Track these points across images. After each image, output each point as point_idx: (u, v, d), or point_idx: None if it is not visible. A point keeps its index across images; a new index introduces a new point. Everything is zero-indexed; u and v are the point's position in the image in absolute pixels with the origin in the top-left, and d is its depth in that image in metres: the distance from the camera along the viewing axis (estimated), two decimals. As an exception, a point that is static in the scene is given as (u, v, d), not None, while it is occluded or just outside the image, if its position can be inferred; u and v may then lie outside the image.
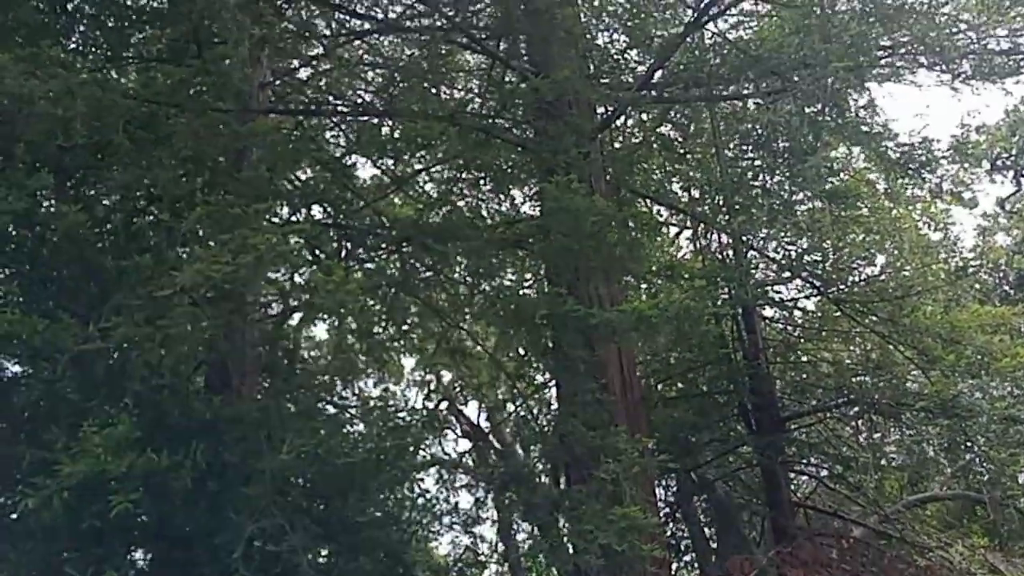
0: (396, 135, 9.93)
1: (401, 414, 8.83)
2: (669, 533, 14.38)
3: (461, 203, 11.51)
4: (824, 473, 15.28)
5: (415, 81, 10.36)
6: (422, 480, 10.36)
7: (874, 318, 13.44)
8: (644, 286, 12.99)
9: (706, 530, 15.49)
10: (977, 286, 17.42)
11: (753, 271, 13.91)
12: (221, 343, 8.48)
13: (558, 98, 9.84)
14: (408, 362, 15.92)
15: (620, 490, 8.32)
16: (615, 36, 12.66)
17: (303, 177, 11.31)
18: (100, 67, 9.38)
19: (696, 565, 15.12)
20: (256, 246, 7.10)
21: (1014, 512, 13.80)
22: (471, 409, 17.31)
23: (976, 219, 22.75)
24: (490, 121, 10.64)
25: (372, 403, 9.79)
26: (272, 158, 9.08)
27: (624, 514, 7.91)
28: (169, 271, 7.29)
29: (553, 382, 11.28)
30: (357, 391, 14.24)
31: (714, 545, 15.22)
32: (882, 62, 10.81)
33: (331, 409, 10.97)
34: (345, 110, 11.63)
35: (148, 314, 7.39)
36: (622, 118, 12.75)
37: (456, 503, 13.85)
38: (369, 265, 10.95)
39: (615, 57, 12.32)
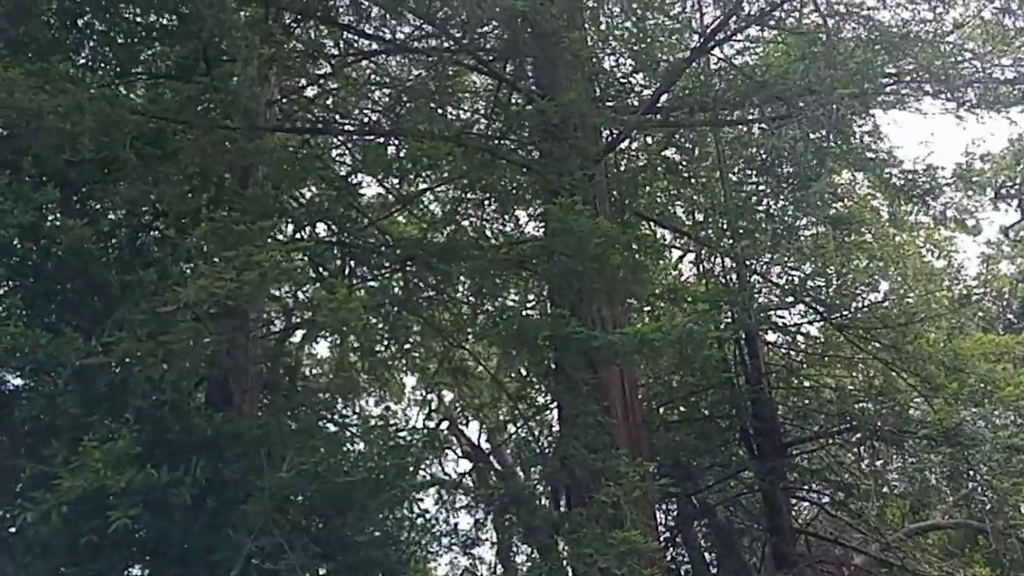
0: (402, 154, 9.98)
1: (402, 433, 8.78)
2: (669, 558, 14.29)
3: (465, 223, 11.54)
4: (826, 500, 15.20)
5: (422, 101, 10.42)
6: (422, 500, 10.32)
7: (877, 344, 13.41)
8: (647, 309, 12.97)
9: (706, 555, 15.41)
10: (980, 314, 17.37)
11: (756, 295, 13.89)
12: (223, 359, 8.48)
13: (564, 120, 9.88)
14: (409, 381, 15.92)
15: (621, 514, 8.27)
16: (621, 60, 12.72)
17: (308, 195, 11.35)
18: (109, 83, 9.45)
19: (696, 590, 15.01)
20: (260, 263, 7.13)
21: (1016, 542, 13.68)
22: (472, 429, 17.29)
23: (980, 247, 22.75)
24: (496, 142, 10.69)
25: (373, 422, 9.73)
26: (278, 176, 9.13)
27: (624, 538, 7.87)
28: (173, 287, 7.31)
29: (555, 404, 11.25)
30: (358, 409, 14.24)
31: (714, 570, 15.14)
32: (887, 89, 10.85)
33: (332, 427, 10.96)
34: (352, 129, 11.71)
35: (151, 329, 7.40)
36: (627, 141, 12.78)
37: (456, 524, 13.79)
38: (372, 283, 10.98)
39: (621, 81, 12.37)
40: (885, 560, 13.57)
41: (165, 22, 9.75)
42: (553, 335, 9.02)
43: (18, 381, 8.04)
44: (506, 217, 11.92)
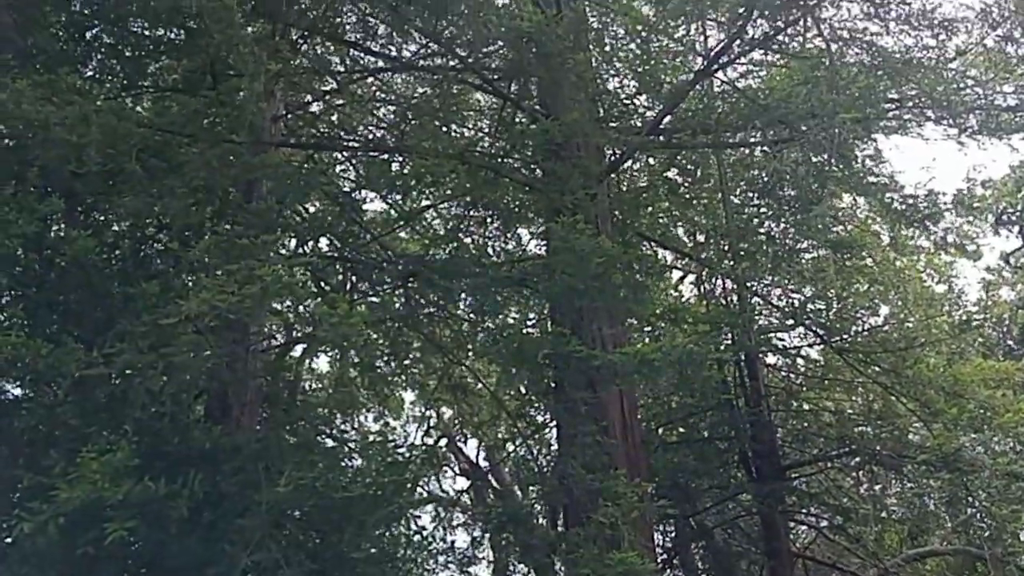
0: (406, 171, 10.02)
1: (400, 449, 8.78)
2: (666, 580, 14.23)
3: (468, 240, 11.57)
4: (824, 524, 15.16)
5: (426, 119, 10.47)
6: (419, 517, 10.27)
7: (877, 368, 13.40)
8: (647, 329, 12.98)
9: (704, 578, 15.33)
10: (981, 340, 17.36)
11: (757, 318, 13.91)
12: (223, 372, 8.49)
13: (567, 140, 9.93)
14: (409, 397, 15.91)
15: (618, 534, 8.25)
16: (625, 81, 12.79)
17: (311, 209, 11.40)
18: (116, 95, 9.51)
19: (693, 613, 14.94)
20: (262, 277, 7.15)
21: (1015, 569, 13.64)
22: (470, 447, 17.26)
23: (980, 272, 22.77)
24: (499, 160, 10.74)
25: (371, 437, 9.75)
26: (282, 190, 9.16)
27: (621, 559, 7.84)
28: (175, 299, 7.32)
29: (554, 423, 11.24)
30: (357, 425, 14.21)
31: (711, 593, 15.06)
32: (889, 115, 10.91)
33: (330, 442, 10.93)
34: (356, 145, 11.75)
35: (152, 341, 7.41)
36: (630, 162, 12.84)
37: (452, 542, 13.70)
38: (374, 299, 10.99)
39: (624, 102, 12.44)
40: (883, 585, 13.52)
41: (172, 36, 9.82)
42: (553, 354, 9.03)
43: (18, 391, 8.04)
44: (508, 235, 11.96)
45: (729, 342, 12.93)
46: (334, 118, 12.44)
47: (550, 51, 9.05)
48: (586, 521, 8.58)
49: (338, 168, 12.34)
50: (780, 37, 11.04)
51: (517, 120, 11.46)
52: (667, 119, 11.27)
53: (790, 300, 14.44)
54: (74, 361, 7.10)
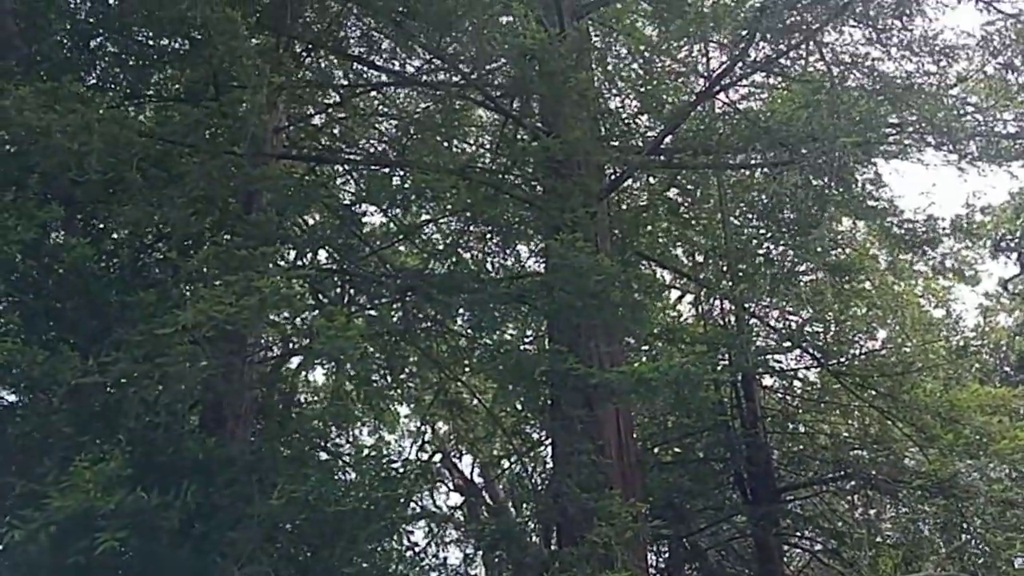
0: (406, 185, 10.04)
1: (394, 464, 8.75)
2: (659, 601, 14.14)
3: (467, 255, 11.57)
4: (818, 547, 15.08)
5: (428, 134, 10.50)
6: (411, 533, 10.26)
7: (873, 392, 13.37)
8: (645, 348, 12.97)
9: (696, 600, 15.24)
10: (978, 366, 17.34)
11: (754, 339, 13.89)
12: (218, 383, 8.47)
13: (568, 158, 9.95)
14: (404, 412, 15.86)
15: (612, 554, 8.21)
16: (627, 101, 12.86)
17: (311, 222, 11.40)
18: (118, 104, 9.54)
19: (685, 635, 14.84)
20: (260, 288, 7.15)
21: (1009, 597, 13.58)
22: (465, 463, 17.19)
23: (978, 298, 22.81)
24: (500, 176, 10.77)
25: (366, 451, 9.69)
26: (282, 202, 9.17)
27: (614, 579, 7.81)
28: (172, 309, 7.32)
29: (549, 440, 11.21)
30: (351, 438, 14.16)
31: (704, 615, 14.97)
32: (890, 139, 10.94)
33: (324, 455, 10.91)
34: (357, 159, 11.78)
35: (148, 351, 7.39)
36: (630, 180, 12.86)
37: (445, 558, 13.68)
38: (371, 312, 10.97)
39: (626, 121, 12.48)
40: (877, 611, 13.45)
41: (176, 46, 9.88)
42: (550, 371, 9.02)
43: (13, 397, 8.03)
44: (507, 251, 11.96)
45: (726, 363, 12.91)
46: (336, 131, 12.48)
47: (553, 69, 9.08)
48: (580, 540, 8.54)
49: (339, 181, 12.38)
50: (782, 60, 11.08)
51: (519, 137, 11.49)
52: (668, 139, 11.29)
53: (788, 322, 14.43)
54: (69, 369, 7.08)
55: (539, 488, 12.98)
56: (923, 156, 11.17)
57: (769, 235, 13.51)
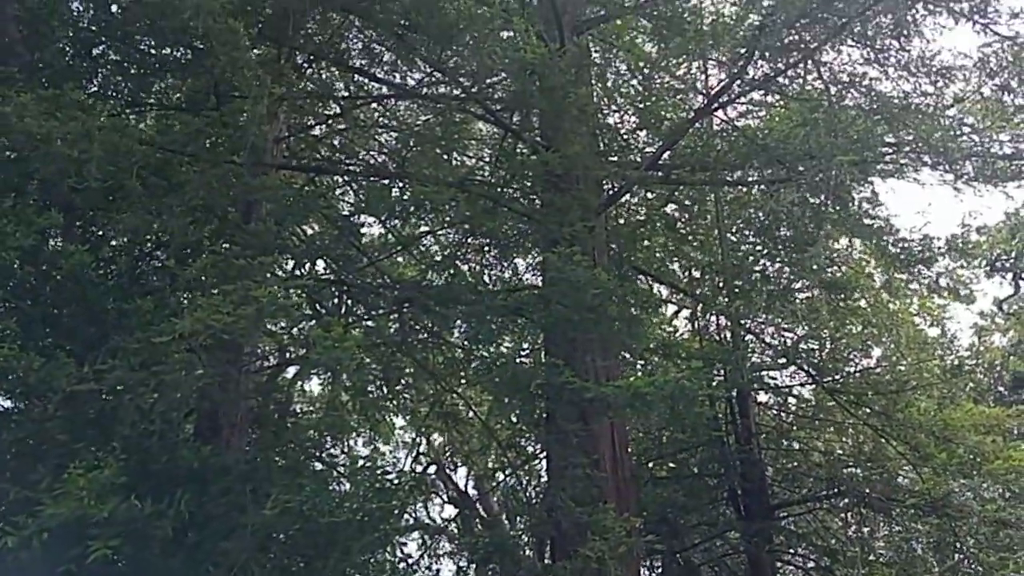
0: (405, 197, 10.07)
1: (389, 476, 8.73)
2: (652, 616, 14.12)
3: (464, 267, 11.60)
4: (811, 565, 15.06)
5: (428, 146, 10.55)
6: (405, 544, 10.22)
7: (868, 410, 13.39)
8: (640, 363, 12.98)
9: (689, 615, 15.19)
10: (972, 385, 17.39)
11: (749, 355, 13.91)
12: (214, 392, 8.47)
13: (566, 172, 10.00)
14: (399, 423, 15.84)
15: (605, 569, 8.20)
16: (626, 117, 12.92)
17: (310, 232, 11.43)
18: (119, 112, 9.58)
19: (677, 651, 14.79)
20: (258, 298, 7.16)
21: (1002, 617, 13.56)
22: (460, 475, 17.16)
23: (973, 317, 22.88)
24: (499, 190, 10.81)
25: (360, 462, 9.67)
26: (281, 212, 9.20)
27: (608, 594, 7.80)
28: (169, 317, 7.33)
29: (544, 454, 11.20)
30: (346, 449, 14.13)
31: (696, 631, 14.93)
32: (886, 158, 10.99)
33: (319, 466, 10.89)
34: (357, 170, 11.81)
35: (144, 358, 7.40)
36: (628, 195, 12.91)
37: (438, 571, 13.65)
38: (368, 323, 11.00)
39: (624, 136, 12.54)
40: (869, 629, 13.43)
41: (179, 55, 9.91)
42: (546, 384, 9.02)
43: (8, 403, 8.02)
44: (505, 264, 12.00)
45: (721, 379, 12.93)
46: (336, 142, 12.53)
47: (553, 84, 9.13)
48: (573, 554, 8.54)
49: (338, 192, 12.41)
50: (780, 79, 11.14)
51: (518, 151, 11.54)
52: (666, 155, 11.34)
53: (783, 339, 14.46)
54: (65, 376, 7.08)
55: (533, 501, 12.96)
56: (919, 176, 11.23)
57: (766, 252, 13.56)
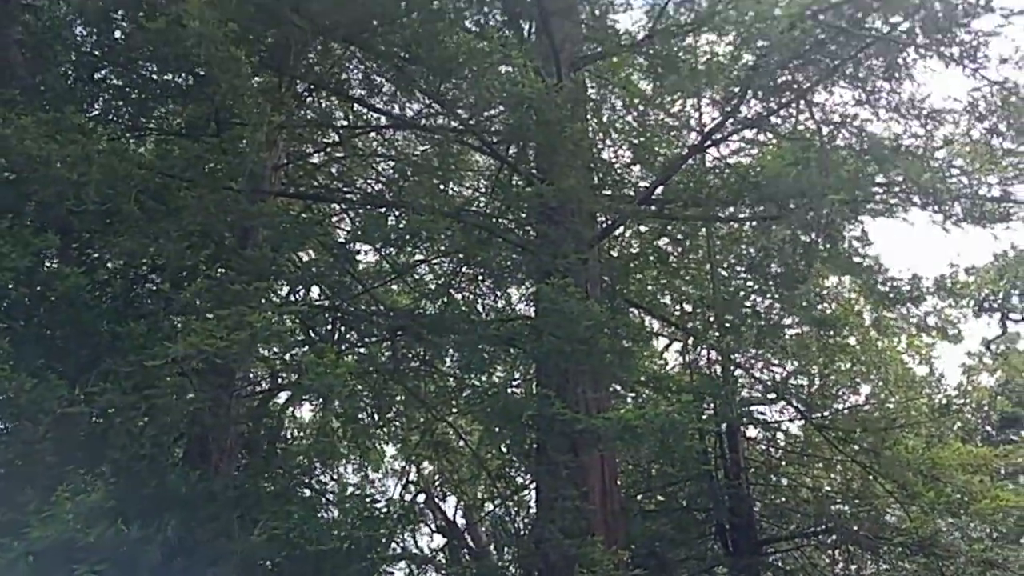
0: (401, 225, 10.14)
1: (378, 504, 8.73)
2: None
3: (458, 296, 11.65)
4: (799, 602, 15.02)
5: (425, 176, 10.65)
6: (392, 574, 10.18)
7: (856, 447, 13.44)
8: (631, 395, 13.02)
9: (675, 651, 15.10)
10: (960, 424, 17.45)
11: (739, 390, 13.96)
12: (205, 416, 8.47)
13: (561, 204, 10.09)
14: (390, 451, 15.80)
15: (592, 601, 8.19)
16: (620, 151, 13.04)
17: (305, 259, 11.47)
18: (119, 136, 9.63)
19: None
20: (252, 323, 7.20)
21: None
22: (449, 505, 17.08)
23: (961, 356, 23.00)
24: (494, 220, 10.89)
25: (350, 490, 9.68)
26: (278, 238, 9.25)
27: (595, 627, 7.78)
28: (162, 341, 7.35)
29: (534, 485, 11.19)
30: (336, 476, 14.10)
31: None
32: (877, 198, 11.11)
33: (308, 493, 10.86)
34: (354, 198, 11.89)
35: (136, 382, 7.42)
36: (621, 229, 13.02)
37: (425, 601, 13.52)
38: (361, 350, 11.02)
39: (619, 171, 12.65)
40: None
41: (180, 81, 9.99)
42: (537, 415, 9.06)
43: (-2, 424, 7.99)
44: (498, 294, 12.04)
45: (711, 412, 12.97)
46: (334, 170, 12.61)
47: (549, 118, 9.23)
48: (561, 586, 8.53)
49: (334, 219, 12.47)
50: (773, 118, 11.30)
51: (513, 183, 11.64)
52: (659, 190, 11.45)
53: (772, 374, 14.52)
54: (56, 398, 7.09)
55: (522, 533, 12.94)
56: (909, 216, 11.35)
57: (756, 287, 13.65)
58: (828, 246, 11.78)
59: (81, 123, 8.27)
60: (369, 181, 12.68)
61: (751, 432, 15.18)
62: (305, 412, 14.55)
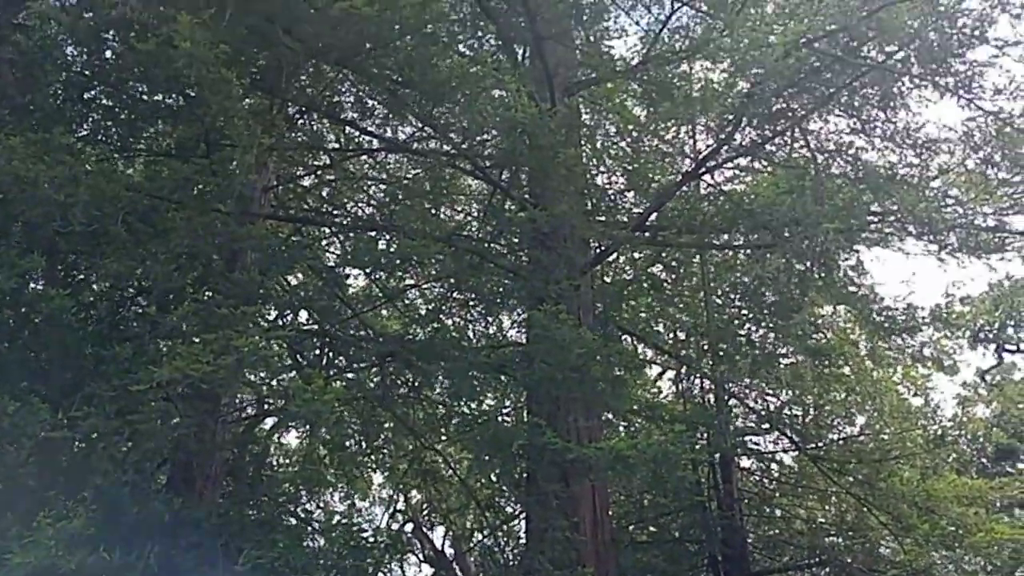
0: (392, 250, 10.05)
1: (365, 533, 8.57)
2: None
3: (449, 322, 11.55)
4: (792, 635, 14.83)
5: (416, 200, 10.59)
6: (379, 605, 9.97)
7: (851, 479, 13.32)
8: (623, 424, 12.89)
9: None
10: (955, 456, 17.35)
11: (733, 419, 13.85)
12: (190, 442, 8.34)
13: (554, 230, 10.04)
14: (377, 479, 15.62)
15: (583, 635, 8.03)
16: (614, 178, 13.03)
17: (294, 282, 11.37)
18: (108, 157, 9.53)
19: None
20: (239, 348, 7.08)
21: None
22: (437, 534, 16.87)
23: (956, 387, 22.93)
24: (485, 245, 10.82)
25: (336, 518, 9.49)
26: (266, 262, 9.15)
27: (584, 661, 7.62)
28: (147, 365, 7.22)
29: (523, 515, 11.04)
30: (322, 504, 13.90)
31: None
32: (872, 227, 11.07)
33: (293, 521, 10.67)
34: (344, 222, 11.82)
35: (120, 406, 7.29)
36: (614, 255, 12.96)
37: (411, 632, 13.32)
38: (349, 375, 10.88)
39: (612, 197, 12.63)
40: None
41: (170, 102, 9.92)
42: (527, 444, 8.92)
43: (-22, 449, 7.81)
44: (490, 320, 11.96)
45: (704, 443, 12.84)
46: (324, 193, 12.55)
47: (542, 143, 9.20)
48: (550, 619, 8.36)
49: (324, 243, 12.38)
50: (767, 146, 11.29)
51: (506, 207, 11.59)
52: (653, 216, 11.41)
53: (766, 404, 14.42)
54: (39, 422, 6.96)
55: (511, 563, 12.75)
56: (904, 245, 11.30)
57: (751, 316, 13.58)
58: (823, 275, 11.73)
59: (70, 143, 8.19)
60: (360, 204, 12.63)
61: (745, 463, 15.05)
62: (292, 439, 14.40)
